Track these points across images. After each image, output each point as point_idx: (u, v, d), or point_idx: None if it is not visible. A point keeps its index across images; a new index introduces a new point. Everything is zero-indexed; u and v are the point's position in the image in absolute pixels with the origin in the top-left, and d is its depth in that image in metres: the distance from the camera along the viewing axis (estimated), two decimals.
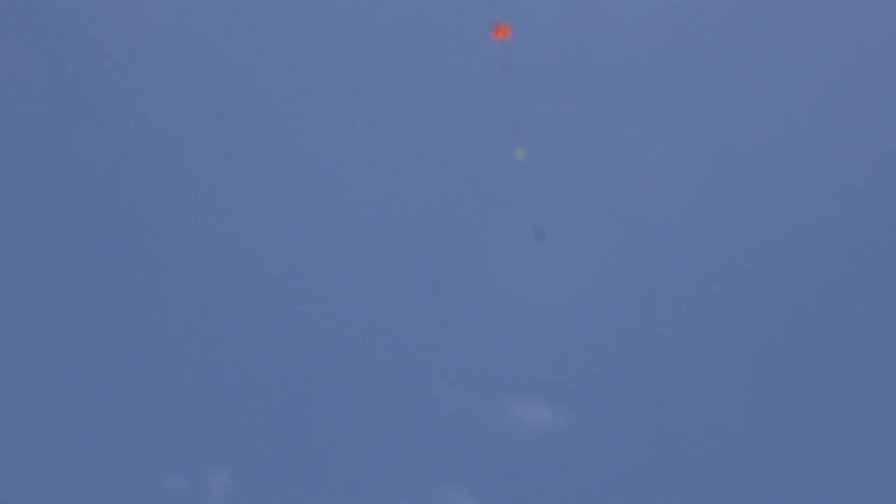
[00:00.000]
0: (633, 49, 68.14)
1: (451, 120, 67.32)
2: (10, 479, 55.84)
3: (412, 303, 62.76)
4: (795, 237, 63.44)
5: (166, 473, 56.68)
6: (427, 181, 65.04)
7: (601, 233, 64.44)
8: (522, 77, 62.88)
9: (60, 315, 60.06)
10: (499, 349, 61.38)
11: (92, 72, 65.13)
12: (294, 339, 60.98)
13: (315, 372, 60.45)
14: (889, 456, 56.73)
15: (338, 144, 66.92)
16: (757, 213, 64.53)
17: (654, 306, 62.47)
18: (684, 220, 64.59)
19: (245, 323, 60.96)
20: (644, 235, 64.41)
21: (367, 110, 67.57)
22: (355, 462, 58.55)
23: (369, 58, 68.60)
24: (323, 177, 65.42)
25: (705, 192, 65.60)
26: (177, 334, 60.45)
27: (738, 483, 58.09)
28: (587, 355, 61.51)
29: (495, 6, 62.88)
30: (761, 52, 68.51)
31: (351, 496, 57.67)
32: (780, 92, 67.44)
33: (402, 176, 65.47)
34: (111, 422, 58.12)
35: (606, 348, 61.70)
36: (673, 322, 62.25)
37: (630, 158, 66.23)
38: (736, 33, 68.17)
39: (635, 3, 69.02)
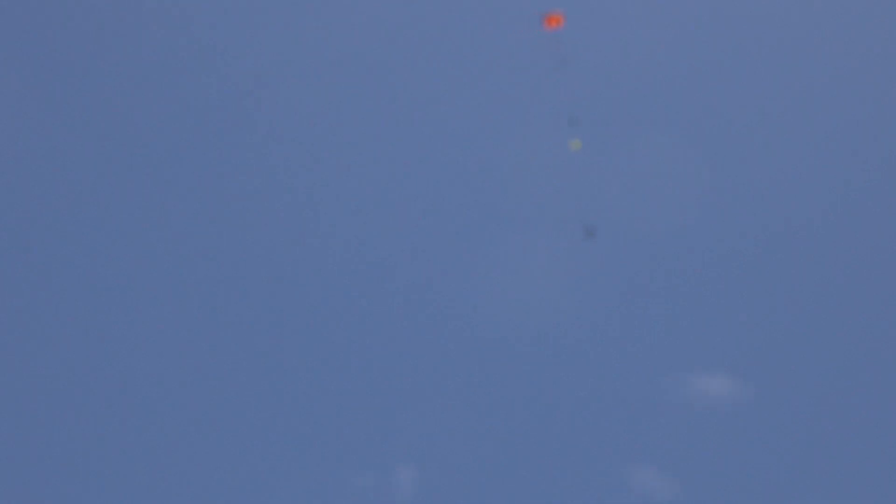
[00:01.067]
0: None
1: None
2: (204, 479, 56.25)
3: (591, 284, 63.30)
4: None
5: (355, 470, 57.01)
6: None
7: None
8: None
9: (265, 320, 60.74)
10: (678, 323, 61.83)
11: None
12: (476, 335, 61.77)
13: (500, 360, 60.94)
14: None
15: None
16: None
17: (836, 280, 62.65)
18: None
19: (433, 322, 61.71)
20: None
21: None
22: (541, 444, 58.56)
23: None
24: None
25: None
26: (369, 337, 61.25)
27: None
28: (766, 327, 61.54)
29: None
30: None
31: (540, 478, 57.58)
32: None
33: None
34: (299, 421, 58.66)
35: (784, 318, 61.66)
36: (854, 290, 62.39)
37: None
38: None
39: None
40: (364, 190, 65.25)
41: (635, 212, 64.42)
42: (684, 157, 66.27)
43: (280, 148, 66.04)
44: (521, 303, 62.02)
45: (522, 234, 63.82)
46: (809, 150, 66.62)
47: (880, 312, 61.06)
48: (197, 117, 65.75)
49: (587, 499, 56.54)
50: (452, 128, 67.21)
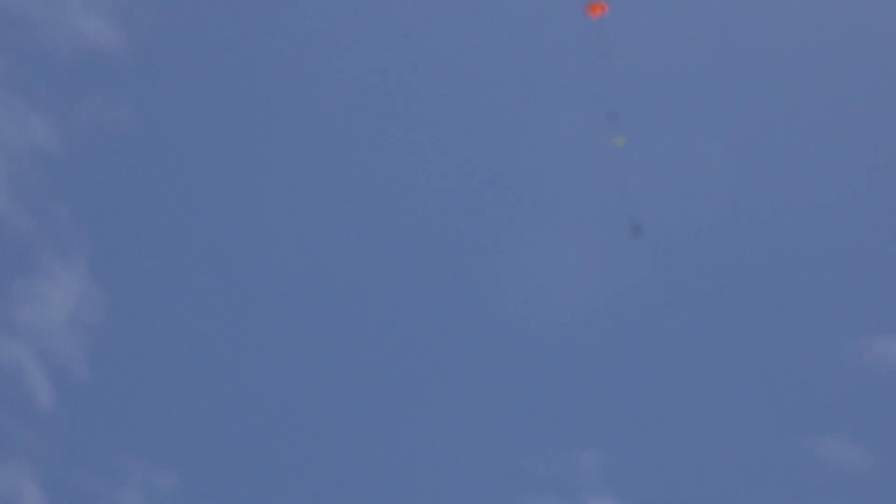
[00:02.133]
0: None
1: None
2: (387, 469, 56.99)
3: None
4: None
5: (538, 456, 57.63)
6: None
7: None
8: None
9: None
10: (856, 287, 61.55)
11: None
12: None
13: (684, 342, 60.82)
14: None
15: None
16: None
17: None
18: None
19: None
20: None
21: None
22: (731, 420, 58.64)
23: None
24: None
25: None
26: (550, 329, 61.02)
27: None
28: None
29: None
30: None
31: (728, 453, 57.80)
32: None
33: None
34: (482, 409, 59.29)
35: None
36: None
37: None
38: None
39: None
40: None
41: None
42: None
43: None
44: None
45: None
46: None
47: None
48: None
49: (776, 472, 57.10)
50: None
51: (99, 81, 63.53)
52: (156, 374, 59.58)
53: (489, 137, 65.82)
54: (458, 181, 64.91)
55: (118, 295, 60.31)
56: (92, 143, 62.16)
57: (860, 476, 56.50)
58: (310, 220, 63.35)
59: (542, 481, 56.97)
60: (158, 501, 56.17)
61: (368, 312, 61.20)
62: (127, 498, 55.61)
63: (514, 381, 59.62)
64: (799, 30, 67.93)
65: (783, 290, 61.94)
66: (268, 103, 65.31)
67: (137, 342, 60.10)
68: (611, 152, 54.20)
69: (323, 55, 66.66)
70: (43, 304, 59.02)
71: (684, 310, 61.71)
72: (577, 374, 60.11)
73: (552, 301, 61.92)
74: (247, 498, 57.44)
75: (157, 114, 64.12)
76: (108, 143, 62.65)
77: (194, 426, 58.63)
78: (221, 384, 59.52)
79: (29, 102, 62.11)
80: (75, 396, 57.60)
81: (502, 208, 63.95)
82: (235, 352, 60.09)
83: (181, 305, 60.68)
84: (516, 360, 60.22)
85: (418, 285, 62.18)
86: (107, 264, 60.51)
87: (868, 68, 66.79)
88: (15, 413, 56.11)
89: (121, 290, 60.67)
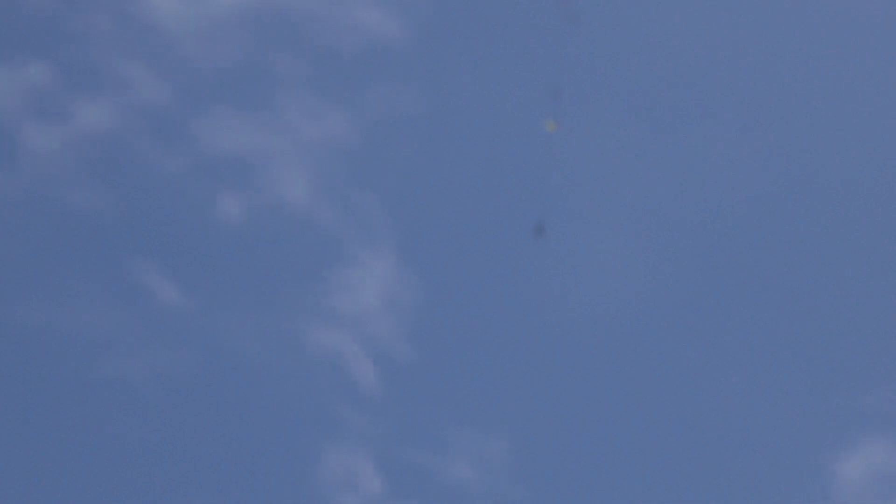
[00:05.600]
0: None
1: None
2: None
3: None
4: None
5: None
6: None
7: None
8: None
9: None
10: None
11: None
12: None
13: None
14: None
15: None
16: None
17: None
18: None
19: None
20: None
21: None
22: None
23: None
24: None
25: None
26: None
27: None
28: None
29: None
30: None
31: None
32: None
33: None
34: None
35: None
36: None
37: None
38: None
39: None
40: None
41: None
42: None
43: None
44: None
45: None
46: None
47: None
48: None
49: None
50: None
51: (384, 71, 65.69)
52: (473, 346, 59.89)
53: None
54: None
55: (430, 276, 61.20)
56: (385, 132, 64.01)
57: None
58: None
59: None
60: (490, 468, 55.81)
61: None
62: (458, 468, 55.58)
63: None
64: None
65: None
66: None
67: (453, 318, 60.70)
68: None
69: None
70: (359, 292, 60.51)
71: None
72: None
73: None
74: (577, 456, 56.51)
75: (443, 98, 65.59)
76: (399, 131, 64.36)
77: (518, 391, 58.58)
78: (539, 350, 59.31)
79: (324, 97, 64.79)
80: (399, 377, 58.42)
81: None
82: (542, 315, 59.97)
83: (488, 281, 61.13)
84: None
85: None
86: (414, 247, 61.62)
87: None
88: (344, 398, 57.38)
89: (431, 270, 61.60)
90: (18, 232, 59.31)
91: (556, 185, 62.12)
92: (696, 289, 60.93)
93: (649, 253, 61.77)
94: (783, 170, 64.09)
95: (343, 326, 59.12)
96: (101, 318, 57.74)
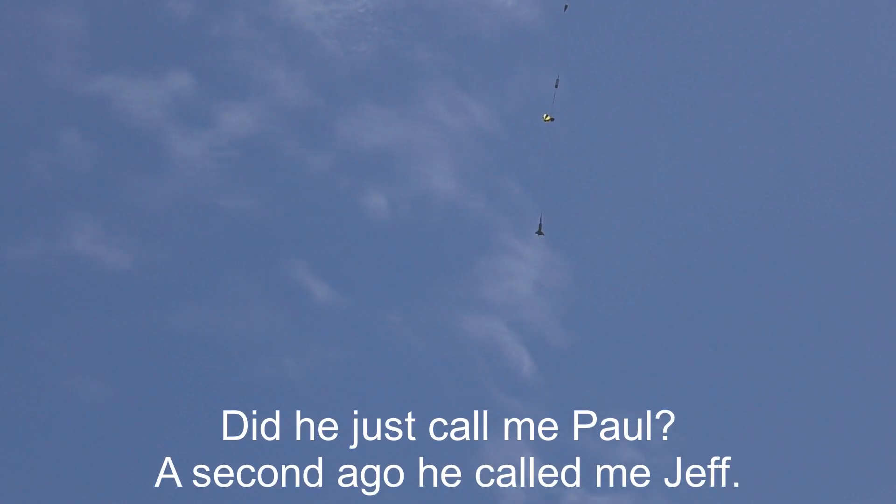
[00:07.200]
0: None
1: None
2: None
3: None
4: None
5: None
6: None
7: None
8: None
9: None
10: None
11: None
12: None
13: None
14: None
15: None
16: None
17: None
18: None
19: None
20: None
21: None
22: None
23: None
24: None
25: None
26: None
27: None
28: None
29: None
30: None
31: None
32: None
33: None
34: None
35: None
36: None
37: None
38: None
39: None
40: None
41: None
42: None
43: None
44: None
45: None
46: None
47: None
48: None
49: None
50: None
51: (524, 57, 65.66)
52: (624, 325, 59.77)
53: None
54: None
55: (578, 260, 60.99)
56: (527, 118, 63.80)
57: None
58: None
59: None
60: (653, 449, 55.35)
61: None
62: (620, 446, 55.16)
63: None
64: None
65: None
66: None
67: (603, 300, 60.55)
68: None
69: None
70: (510, 280, 60.50)
71: None
72: None
73: None
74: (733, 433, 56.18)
75: (583, 83, 65.46)
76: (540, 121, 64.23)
77: (677, 366, 58.41)
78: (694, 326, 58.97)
79: (464, 87, 64.94)
80: (554, 361, 58.36)
81: None
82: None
83: (632, 262, 61.00)
84: None
85: None
86: (561, 233, 61.36)
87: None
88: (501, 383, 57.46)
89: (578, 255, 61.41)
90: (172, 238, 60.61)
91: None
92: None
93: None
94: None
95: (496, 314, 59.20)
96: (259, 319, 58.72)
